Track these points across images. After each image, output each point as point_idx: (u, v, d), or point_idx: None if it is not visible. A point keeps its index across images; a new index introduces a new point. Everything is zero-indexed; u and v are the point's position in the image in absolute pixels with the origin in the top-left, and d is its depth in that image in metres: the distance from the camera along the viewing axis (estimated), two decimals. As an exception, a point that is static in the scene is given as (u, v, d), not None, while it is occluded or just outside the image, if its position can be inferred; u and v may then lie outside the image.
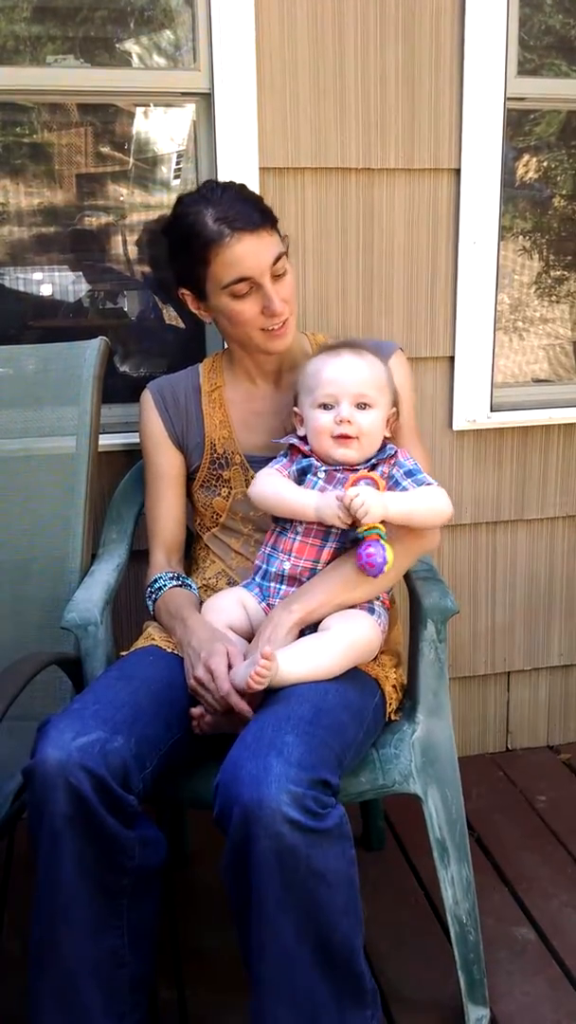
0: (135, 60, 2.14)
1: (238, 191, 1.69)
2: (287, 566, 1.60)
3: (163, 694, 1.49)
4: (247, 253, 1.63)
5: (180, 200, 1.71)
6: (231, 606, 1.63)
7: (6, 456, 1.97)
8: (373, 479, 1.54)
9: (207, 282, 1.67)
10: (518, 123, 2.37)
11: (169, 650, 1.61)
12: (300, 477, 1.63)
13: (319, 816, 1.26)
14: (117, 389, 2.15)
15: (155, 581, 1.76)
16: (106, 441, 2.04)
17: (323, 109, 2.10)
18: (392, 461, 1.62)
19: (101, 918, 1.34)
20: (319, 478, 1.60)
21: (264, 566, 1.65)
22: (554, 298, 2.58)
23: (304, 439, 1.65)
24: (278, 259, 1.67)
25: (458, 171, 2.20)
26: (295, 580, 1.60)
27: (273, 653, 1.41)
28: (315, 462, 1.62)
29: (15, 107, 2.12)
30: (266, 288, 1.65)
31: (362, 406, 1.59)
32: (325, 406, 1.59)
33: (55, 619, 1.72)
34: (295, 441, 1.65)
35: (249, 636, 1.59)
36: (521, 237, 2.50)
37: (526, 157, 2.44)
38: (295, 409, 1.67)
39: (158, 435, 1.83)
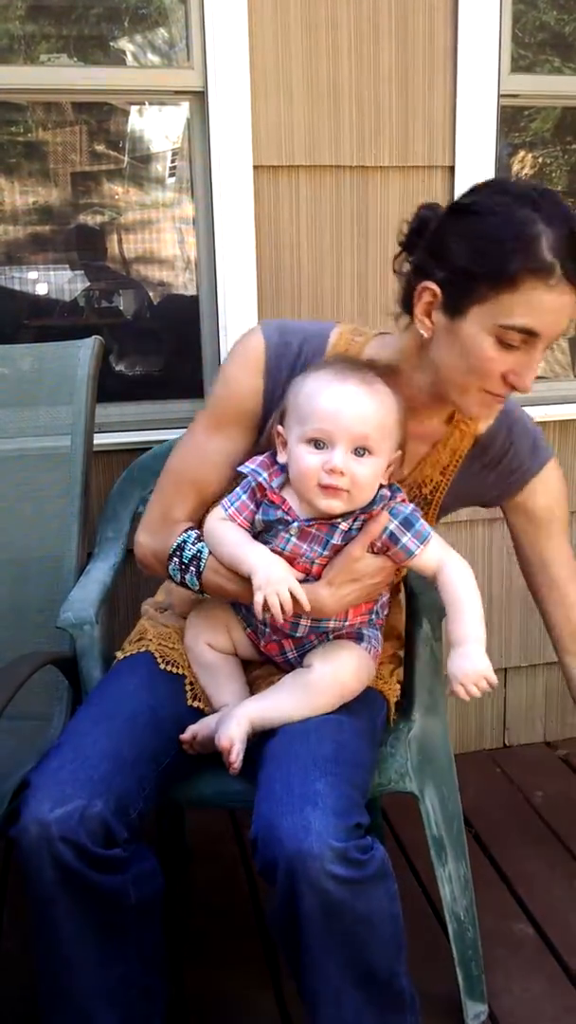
0: (129, 58, 2.14)
1: (573, 224, 1.29)
2: (266, 617, 1.41)
3: (148, 728, 1.42)
4: (557, 309, 1.28)
5: (503, 188, 1.32)
6: (215, 635, 1.53)
7: (1, 455, 1.96)
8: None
9: (482, 302, 1.29)
10: (512, 120, 2.37)
11: (160, 662, 1.55)
12: (266, 528, 1.41)
13: (362, 864, 1.25)
14: (112, 388, 2.15)
15: (186, 541, 1.47)
16: (101, 440, 2.04)
17: (317, 107, 2.10)
18: (385, 506, 1.39)
19: (108, 954, 1.34)
20: (291, 535, 1.38)
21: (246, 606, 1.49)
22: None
23: (282, 467, 1.41)
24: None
25: (452, 168, 2.20)
26: (277, 630, 1.47)
27: (231, 747, 1.37)
28: (287, 516, 1.38)
29: (9, 106, 2.11)
30: (535, 354, 1.32)
31: (361, 451, 1.33)
32: (316, 443, 1.33)
33: (51, 618, 1.72)
34: (263, 480, 1.40)
35: (230, 653, 1.54)
36: (516, 234, 2.50)
37: (521, 154, 2.45)
38: (279, 428, 1.40)
39: (245, 400, 1.48)
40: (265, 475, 1.41)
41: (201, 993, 1.78)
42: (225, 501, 1.43)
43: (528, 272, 1.25)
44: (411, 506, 1.42)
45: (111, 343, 2.22)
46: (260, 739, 1.42)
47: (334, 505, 1.35)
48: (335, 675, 1.43)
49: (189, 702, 1.52)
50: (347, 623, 1.48)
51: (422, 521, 1.41)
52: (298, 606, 1.35)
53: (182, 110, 2.15)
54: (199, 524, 1.50)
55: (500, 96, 2.20)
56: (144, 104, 2.21)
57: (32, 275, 2.26)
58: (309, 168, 2.14)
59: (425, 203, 1.40)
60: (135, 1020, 1.39)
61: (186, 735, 1.45)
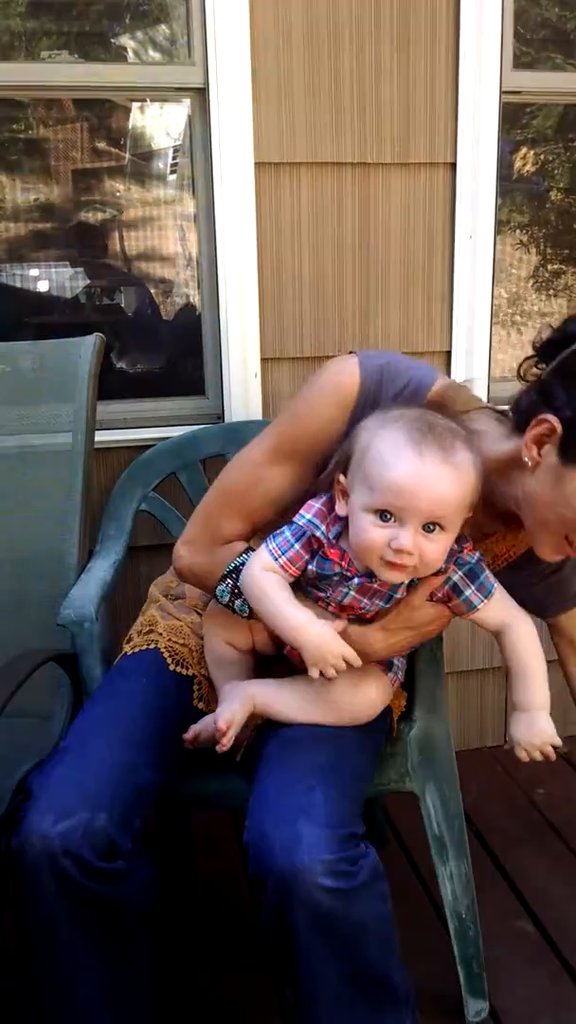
0: (130, 55, 2.14)
1: None
2: None
3: (154, 734, 1.41)
4: None
5: None
6: (236, 631, 1.48)
7: (2, 452, 1.96)
8: None
9: None
10: (514, 117, 2.37)
11: (170, 662, 1.54)
12: (320, 578, 1.33)
13: (353, 875, 1.25)
14: (113, 385, 2.15)
15: (243, 565, 1.38)
16: (102, 437, 2.03)
17: (318, 104, 2.10)
18: (451, 560, 1.31)
19: (105, 961, 1.33)
20: (350, 590, 1.31)
21: None
22: (551, 292, 2.57)
23: (339, 516, 1.30)
24: None
25: (454, 165, 2.20)
26: None
27: (226, 731, 1.35)
28: (346, 572, 1.30)
29: (10, 103, 2.11)
30: None
31: (432, 527, 1.22)
32: (383, 515, 1.22)
33: (52, 616, 1.71)
34: (320, 534, 1.31)
35: (251, 651, 1.51)
36: (518, 231, 2.50)
37: (523, 151, 2.44)
38: (341, 479, 1.28)
39: (320, 438, 1.35)
40: (323, 528, 1.31)
41: (202, 993, 1.78)
42: (274, 547, 1.32)
43: None
44: (477, 555, 1.34)
45: (112, 340, 2.22)
46: (260, 739, 1.42)
47: (397, 577, 1.26)
48: (354, 704, 1.41)
49: (195, 703, 1.52)
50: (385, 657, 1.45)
51: (487, 573, 1.35)
52: None
53: (183, 107, 2.15)
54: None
55: (502, 93, 2.19)
56: (145, 101, 2.21)
57: (33, 272, 2.26)
58: (310, 165, 2.13)
59: None
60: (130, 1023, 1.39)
61: (188, 735, 1.44)
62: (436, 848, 1.64)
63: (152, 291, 2.35)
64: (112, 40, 2.11)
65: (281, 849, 1.22)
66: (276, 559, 1.32)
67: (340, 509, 1.29)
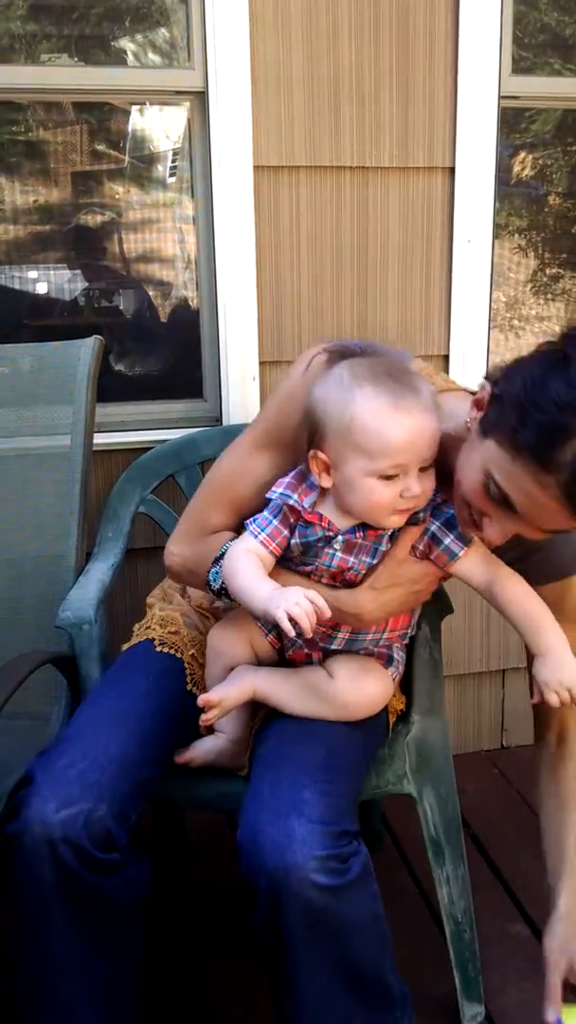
0: (130, 58, 2.14)
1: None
2: None
3: (156, 732, 1.43)
4: (544, 511, 1.19)
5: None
6: (237, 650, 1.48)
7: (0, 454, 1.96)
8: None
9: (492, 437, 1.20)
10: (513, 121, 2.37)
11: (168, 652, 1.57)
12: (305, 550, 1.35)
13: (344, 871, 1.25)
14: (112, 388, 2.15)
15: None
16: (101, 440, 2.04)
17: (317, 108, 2.10)
18: (428, 510, 1.34)
19: (93, 955, 1.34)
20: (336, 549, 1.34)
21: None
22: (549, 296, 2.58)
23: (311, 485, 1.34)
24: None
25: (452, 169, 2.20)
26: (310, 642, 1.44)
27: (219, 700, 1.36)
28: (328, 531, 1.33)
29: (10, 106, 2.11)
30: (511, 525, 1.25)
31: (424, 468, 1.28)
32: (389, 477, 1.26)
33: (50, 618, 1.72)
34: (295, 502, 1.33)
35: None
36: (516, 235, 2.50)
37: (521, 155, 2.45)
38: (320, 455, 1.29)
39: (298, 422, 1.35)
40: (295, 496, 1.34)
41: (199, 993, 1.79)
42: (254, 527, 1.35)
43: (533, 466, 1.15)
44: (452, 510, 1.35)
45: (111, 343, 2.22)
46: (256, 740, 1.43)
47: (402, 520, 1.31)
48: (354, 701, 1.42)
49: (188, 687, 1.53)
50: (384, 638, 1.45)
51: None
52: (334, 616, 1.31)
53: (183, 110, 2.15)
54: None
55: (501, 97, 2.20)
56: (145, 104, 2.21)
57: (32, 274, 2.26)
58: (309, 168, 2.14)
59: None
60: (116, 1021, 1.38)
61: (183, 758, 1.46)
62: (433, 851, 1.64)
63: (151, 294, 2.35)
64: (112, 43, 2.12)
65: (273, 846, 1.23)
66: (256, 536, 1.34)
67: (324, 482, 1.31)
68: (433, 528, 1.35)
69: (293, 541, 1.35)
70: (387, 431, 1.23)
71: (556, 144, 2.45)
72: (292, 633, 1.21)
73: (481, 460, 1.21)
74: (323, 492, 1.34)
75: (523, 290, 2.52)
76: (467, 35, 2.12)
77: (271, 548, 1.34)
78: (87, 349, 1.95)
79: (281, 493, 1.34)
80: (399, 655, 1.50)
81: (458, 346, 2.30)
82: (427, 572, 1.38)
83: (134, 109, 2.22)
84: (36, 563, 1.91)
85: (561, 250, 2.53)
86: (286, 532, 1.35)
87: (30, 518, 1.93)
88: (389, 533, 1.33)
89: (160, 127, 2.23)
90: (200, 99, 2.07)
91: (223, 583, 1.38)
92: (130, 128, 2.25)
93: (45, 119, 2.14)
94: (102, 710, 1.45)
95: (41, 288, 2.28)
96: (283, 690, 1.42)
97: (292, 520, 1.34)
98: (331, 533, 1.33)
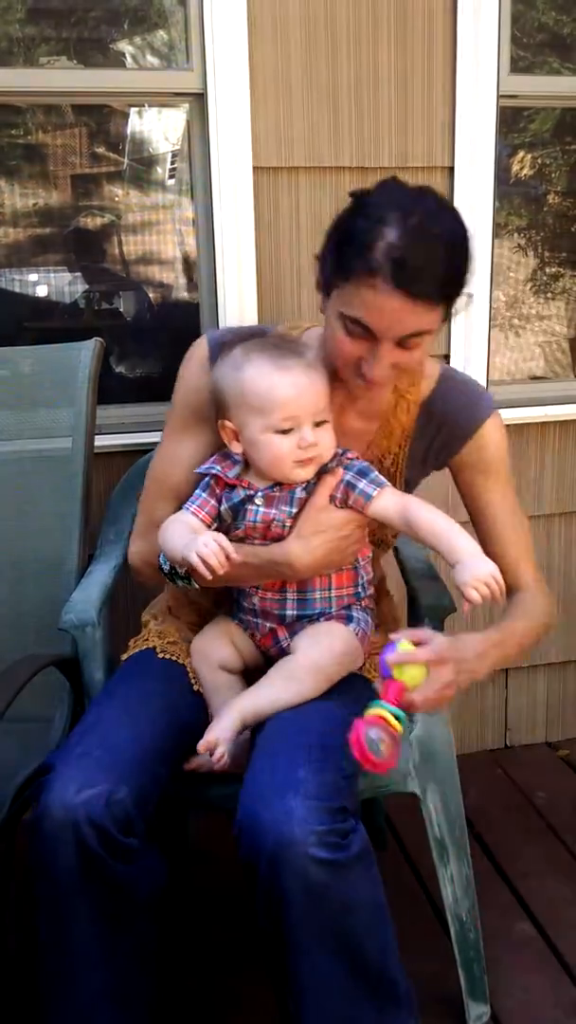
0: (129, 61, 2.15)
1: (445, 241, 1.34)
2: (256, 600, 1.53)
3: (168, 731, 1.45)
4: (386, 311, 1.32)
5: (365, 200, 1.37)
6: (219, 647, 1.57)
7: (1, 457, 1.96)
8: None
9: (332, 287, 1.37)
10: (511, 121, 2.37)
11: (169, 658, 1.60)
12: (234, 514, 1.47)
13: (343, 847, 1.26)
14: (112, 390, 2.15)
15: None
16: (102, 442, 2.04)
17: (316, 108, 2.10)
18: (339, 463, 1.47)
19: (111, 949, 1.34)
20: (258, 505, 1.46)
21: (238, 598, 1.58)
22: (549, 295, 2.58)
23: (235, 460, 1.48)
24: (418, 334, 1.36)
25: (452, 169, 2.20)
26: (268, 614, 1.53)
27: (216, 740, 1.40)
28: (249, 490, 1.46)
29: (9, 108, 2.12)
30: (380, 350, 1.35)
31: (319, 422, 1.42)
32: (284, 431, 1.40)
33: (52, 620, 1.72)
34: (218, 471, 1.47)
35: (241, 671, 1.57)
36: (516, 234, 2.50)
37: (520, 154, 2.45)
38: (228, 424, 1.44)
39: (195, 398, 1.54)
40: (219, 467, 1.48)
41: (200, 994, 1.78)
42: (188, 503, 1.48)
43: (358, 269, 1.30)
44: (365, 462, 1.48)
45: (111, 345, 2.22)
46: (252, 733, 1.44)
47: (308, 472, 1.44)
48: (317, 661, 1.46)
49: (193, 686, 1.56)
50: (333, 597, 1.52)
51: (376, 472, 1.47)
52: (271, 572, 1.44)
53: (182, 112, 2.16)
54: None
55: (499, 97, 2.19)
56: (144, 106, 2.21)
57: (32, 277, 2.26)
58: (308, 169, 2.14)
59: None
60: (130, 1020, 1.38)
61: (191, 765, 1.48)
62: (437, 850, 1.64)
63: (151, 295, 2.36)
64: (111, 45, 2.12)
65: (272, 824, 1.24)
66: (187, 509, 1.47)
67: (236, 448, 1.45)
68: (348, 477, 1.46)
69: (223, 508, 1.47)
70: (273, 387, 1.38)
71: (555, 143, 2.46)
72: (206, 573, 1.32)
73: (333, 314, 1.37)
74: (247, 465, 1.47)
75: (523, 289, 2.52)
76: (465, 34, 2.12)
77: (200, 516, 1.46)
78: (87, 351, 1.95)
79: (206, 467, 1.49)
80: (360, 615, 1.55)
81: (458, 346, 2.30)
82: (349, 519, 1.47)
83: (133, 111, 2.22)
84: (38, 566, 1.92)
85: (561, 249, 2.54)
86: (213, 501, 1.48)
87: (31, 521, 1.93)
88: (303, 485, 1.45)
89: (159, 129, 2.24)
90: (199, 100, 2.07)
91: (173, 567, 1.47)
92: (129, 130, 2.25)
93: (44, 122, 2.15)
94: (114, 707, 1.47)
95: (41, 291, 2.29)
96: (265, 693, 1.45)
97: (218, 490, 1.48)
98: (252, 492, 1.46)
